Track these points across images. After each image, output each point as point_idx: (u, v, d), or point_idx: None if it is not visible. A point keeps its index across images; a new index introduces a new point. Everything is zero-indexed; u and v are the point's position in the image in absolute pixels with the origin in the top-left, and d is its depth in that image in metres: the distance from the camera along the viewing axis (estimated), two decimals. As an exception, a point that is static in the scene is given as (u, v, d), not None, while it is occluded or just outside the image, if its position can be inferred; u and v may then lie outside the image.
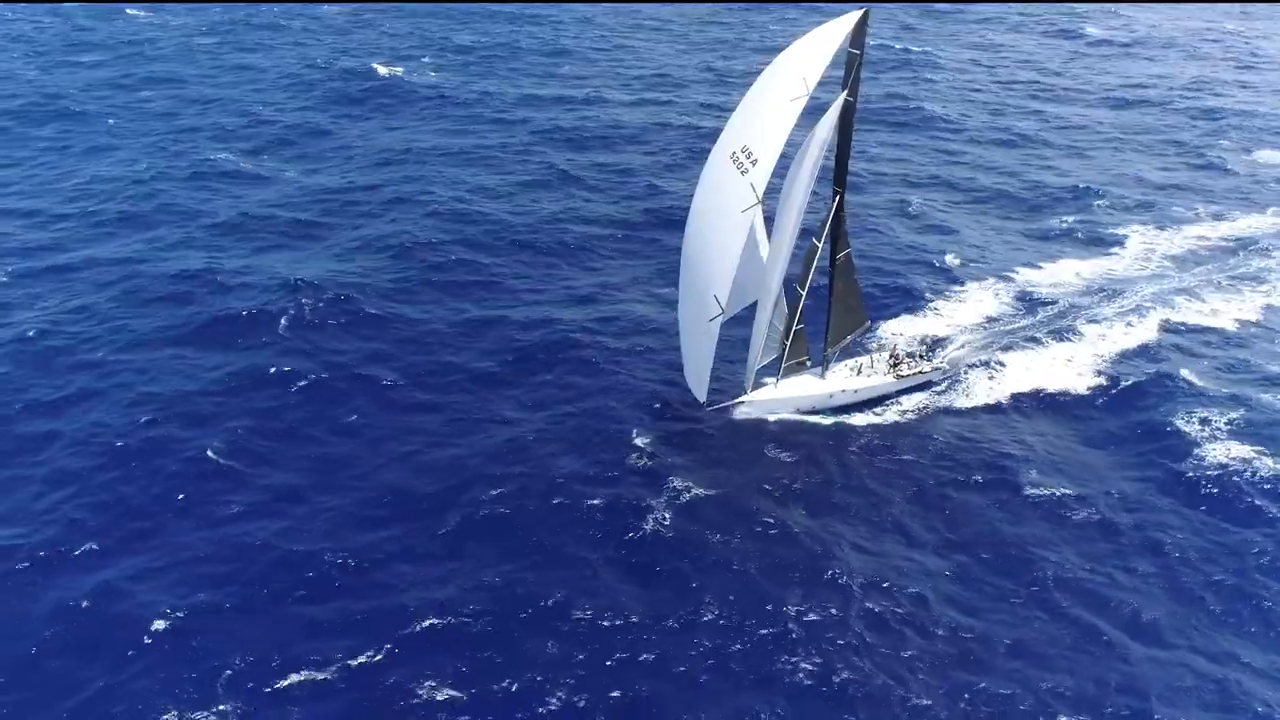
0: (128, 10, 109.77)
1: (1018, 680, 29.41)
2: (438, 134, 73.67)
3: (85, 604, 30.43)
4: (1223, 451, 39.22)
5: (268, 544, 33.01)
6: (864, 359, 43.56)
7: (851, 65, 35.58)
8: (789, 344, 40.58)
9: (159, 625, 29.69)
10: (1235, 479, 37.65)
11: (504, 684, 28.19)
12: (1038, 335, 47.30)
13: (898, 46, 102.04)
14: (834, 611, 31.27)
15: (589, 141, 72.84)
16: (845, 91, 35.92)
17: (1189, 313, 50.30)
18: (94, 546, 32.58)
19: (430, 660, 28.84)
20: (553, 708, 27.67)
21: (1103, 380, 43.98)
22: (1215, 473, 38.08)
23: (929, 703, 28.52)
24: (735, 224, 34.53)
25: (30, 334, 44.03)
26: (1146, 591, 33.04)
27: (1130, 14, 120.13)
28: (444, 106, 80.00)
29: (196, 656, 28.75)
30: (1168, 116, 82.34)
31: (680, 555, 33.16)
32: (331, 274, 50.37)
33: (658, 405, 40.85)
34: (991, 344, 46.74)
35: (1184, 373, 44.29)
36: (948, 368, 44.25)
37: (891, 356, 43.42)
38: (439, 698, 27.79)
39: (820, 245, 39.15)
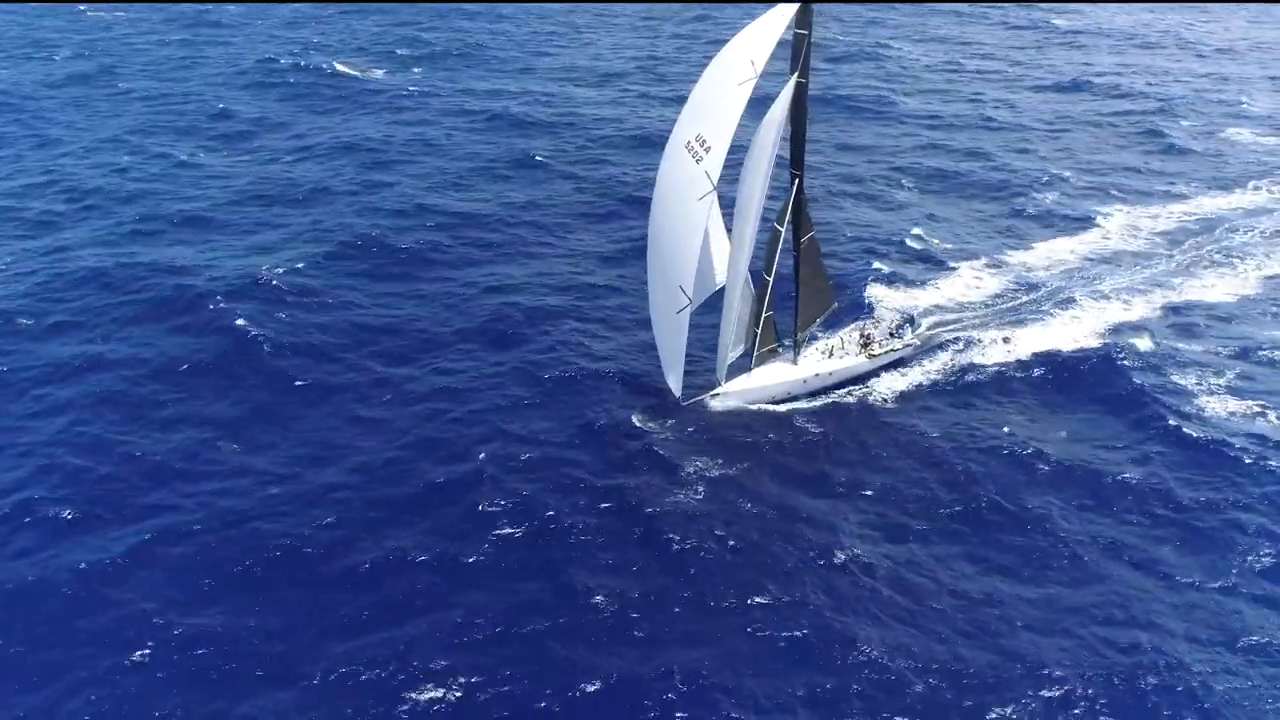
0: (80, 8, 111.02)
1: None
2: (395, 125, 74.07)
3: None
4: (1220, 407, 40.38)
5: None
6: (835, 341, 43.35)
7: (800, 46, 35.34)
8: (759, 332, 40.31)
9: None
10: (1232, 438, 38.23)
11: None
12: (1033, 309, 47.74)
13: (865, 41, 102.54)
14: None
15: (557, 130, 73.18)
16: (796, 73, 35.68)
17: (1182, 287, 50.83)
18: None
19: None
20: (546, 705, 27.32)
21: (1095, 349, 44.39)
22: (1212, 433, 38.63)
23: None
24: (693, 213, 34.22)
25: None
26: (1159, 540, 33.67)
27: (1091, 10, 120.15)
28: (403, 99, 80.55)
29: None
30: (1132, 103, 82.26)
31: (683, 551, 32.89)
32: (293, 264, 50.77)
33: (627, 402, 40.44)
34: (979, 320, 46.82)
35: (1180, 344, 45.18)
36: (919, 343, 44.12)
37: (862, 337, 43.23)
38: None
39: (783, 230, 38.89)
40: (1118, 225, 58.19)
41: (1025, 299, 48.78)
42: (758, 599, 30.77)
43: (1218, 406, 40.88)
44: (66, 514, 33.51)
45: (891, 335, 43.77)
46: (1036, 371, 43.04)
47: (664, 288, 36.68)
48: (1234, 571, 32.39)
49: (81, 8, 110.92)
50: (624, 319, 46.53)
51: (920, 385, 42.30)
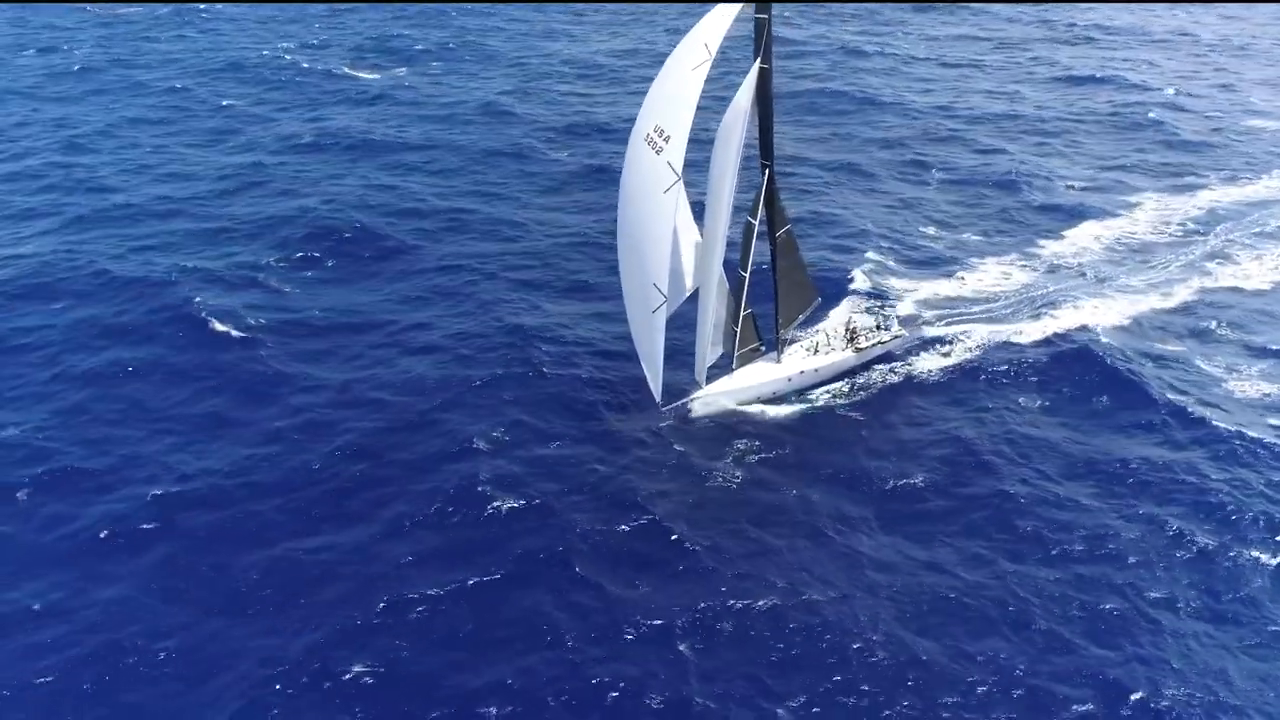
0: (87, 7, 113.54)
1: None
2: (383, 120, 73.98)
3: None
4: (1252, 391, 39.57)
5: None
6: (819, 337, 41.89)
7: (761, 30, 34.19)
8: (739, 331, 38.90)
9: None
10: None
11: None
12: (1047, 299, 46.76)
13: (874, 36, 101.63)
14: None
15: (536, 127, 72.63)
16: (759, 59, 34.51)
17: (1217, 273, 49.91)
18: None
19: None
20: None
21: (1118, 336, 43.61)
22: (1241, 421, 37.44)
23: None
24: (660, 206, 32.90)
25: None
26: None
27: (1107, 9, 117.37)
28: (392, 93, 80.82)
29: None
30: (1147, 95, 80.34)
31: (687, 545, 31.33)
32: (269, 256, 50.71)
33: (603, 410, 38.98)
34: (982, 312, 45.74)
35: (1207, 331, 44.62)
36: (908, 335, 42.64)
37: (848, 331, 41.77)
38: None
39: (755, 223, 37.58)
40: (1145, 216, 57.08)
41: (1047, 289, 47.74)
42: (760, 600, 29.30)
43: (1249, 390, 39.91)
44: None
45: (878, 328, 42.30)
46: (1054, 359, 41.68)
47: (637, 287, 35.31)
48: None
49: (88, 7, 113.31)
50: (618, 315, 44.95)
51: (928, 375, 41.02)
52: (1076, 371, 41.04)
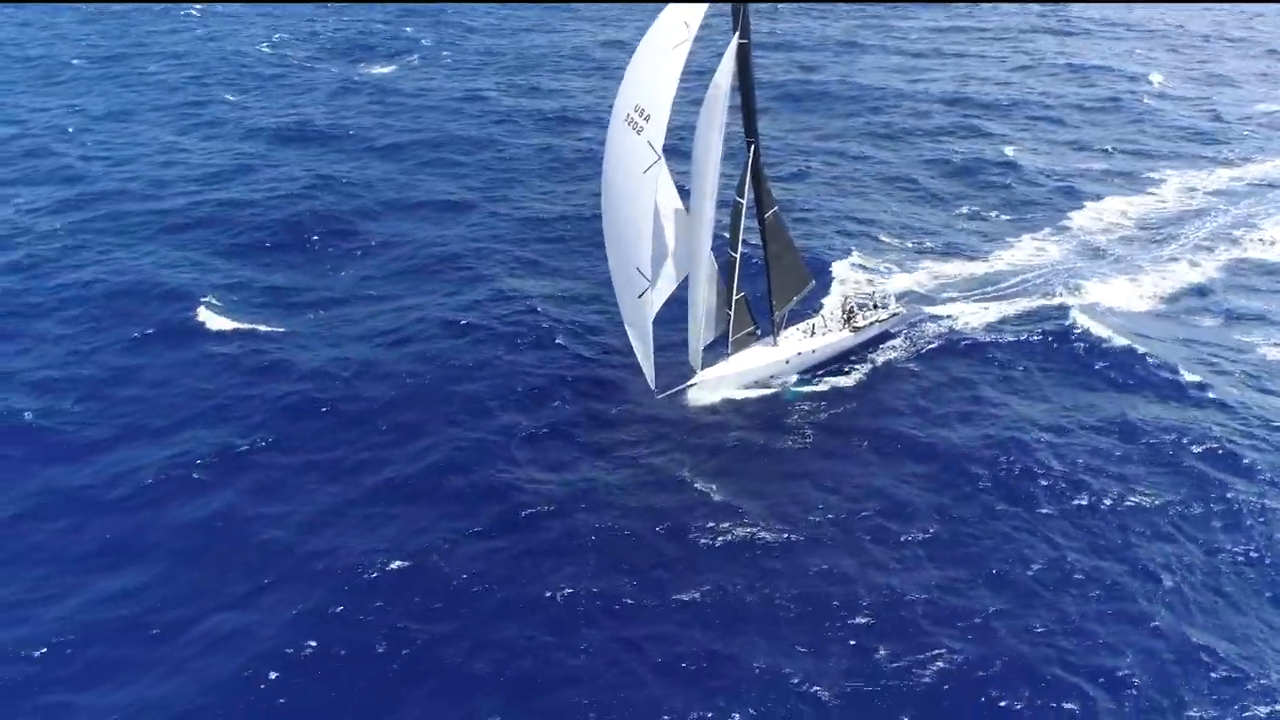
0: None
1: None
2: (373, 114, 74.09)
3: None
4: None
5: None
6: (816, 319, 41.22)
7: (738, 7, 33.66)
8: (732, 314, 38.23)
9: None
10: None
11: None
12: (1075, 273, 46.38)
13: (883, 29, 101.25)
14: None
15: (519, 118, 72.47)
16: (737, 34, 33.95)
17: (1246, 244, 49.73)
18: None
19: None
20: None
21: (1150, 308, 43.93)
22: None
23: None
24: (640, 187, 32.27)
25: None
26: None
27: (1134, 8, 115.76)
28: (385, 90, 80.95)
29: None
30: (1168, 86, 79.48)
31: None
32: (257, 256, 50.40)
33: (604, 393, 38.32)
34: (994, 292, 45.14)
35: (1242, 301, 44.23)
36: (905, 313, 41.97)
37: (845, 311, 41.10)
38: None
39: (743, 202, 36.94)
40: (1171, 189, 56.87)
41: (1053, 268, 47.21)
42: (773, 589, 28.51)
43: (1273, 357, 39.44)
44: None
45: (875, 307, 41.62)
46: (1061, 335, 40.96)
47: (622, 272, 34.68)
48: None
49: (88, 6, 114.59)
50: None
51: (932, 352, 40.33)
52: (1085, 344, 40.23)
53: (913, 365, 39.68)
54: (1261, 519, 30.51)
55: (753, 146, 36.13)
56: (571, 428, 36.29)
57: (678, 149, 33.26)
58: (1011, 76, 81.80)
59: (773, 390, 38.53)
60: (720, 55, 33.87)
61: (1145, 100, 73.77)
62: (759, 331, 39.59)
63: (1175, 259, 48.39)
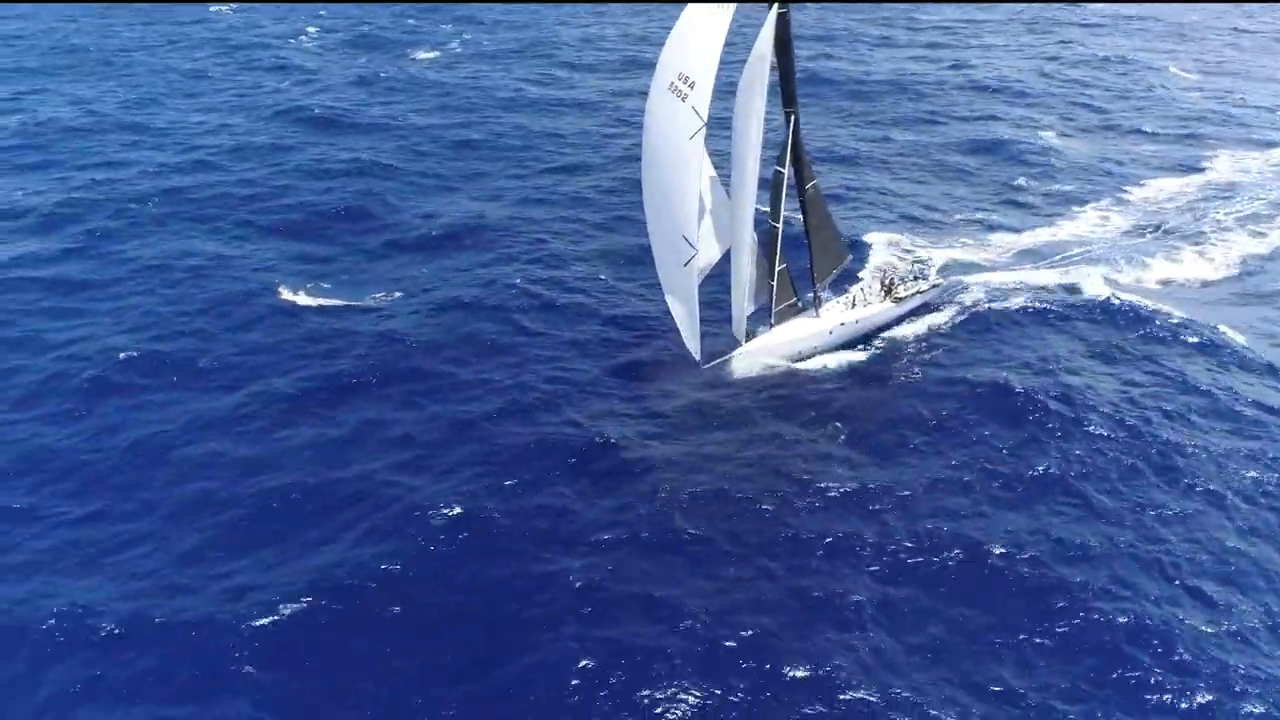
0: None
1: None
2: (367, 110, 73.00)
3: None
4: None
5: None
6: (855, 292, 41.49)
7: (776, -26, 34.14)
8: (774, 286, 38.51)
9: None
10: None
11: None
12: (1098, 256, 46.47)
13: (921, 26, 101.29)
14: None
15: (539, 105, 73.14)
16: (775, 3, 34.45)
17: None
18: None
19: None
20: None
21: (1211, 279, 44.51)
22: None
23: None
24: (686, 153, 32.76)
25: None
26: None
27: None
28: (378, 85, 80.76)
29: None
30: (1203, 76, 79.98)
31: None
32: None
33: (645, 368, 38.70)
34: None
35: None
36: (945, 284, 42.14)
37: (884, 284, 41.31)
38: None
39: (785, 172, 37.33)
40: (1224, 165, 57.62)
41: (1089, 248, 47.40)
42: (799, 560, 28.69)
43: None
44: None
45: (915, 278, 41.84)
46: (1103, 309, 41.18)
47: (667, 241, 35.07)
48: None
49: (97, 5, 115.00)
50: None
51: (975, 324, 40.55)
52: (1123, 321, 40.40)
53: (946, 337, 39.90)
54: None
55: (793, 118, 36.49)
56: (614, 400, 36.62)
57: (714, 120, 33.43)
58: (1044, 66, 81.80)
59: (814, 362, 38.71)
60: (759, 27, 34.40)
61: (1173, 90, 73.55)
62: (800, 303, 39.87)
63: (1213, 236, 48.28)
